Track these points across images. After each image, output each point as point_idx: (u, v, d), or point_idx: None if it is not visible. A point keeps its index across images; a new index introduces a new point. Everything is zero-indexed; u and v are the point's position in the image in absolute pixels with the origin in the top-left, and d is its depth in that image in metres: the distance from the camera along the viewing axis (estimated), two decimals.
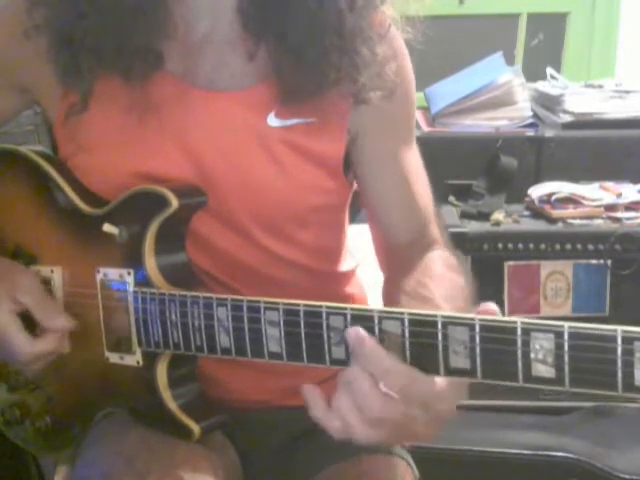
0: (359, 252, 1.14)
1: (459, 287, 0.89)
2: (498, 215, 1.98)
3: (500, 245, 1.92)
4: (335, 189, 0.98)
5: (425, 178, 1.04)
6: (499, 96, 2.15)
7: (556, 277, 1.94)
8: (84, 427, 0.99)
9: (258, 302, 0.78)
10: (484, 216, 1.99)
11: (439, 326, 0.68)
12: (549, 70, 2.33)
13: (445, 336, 0.68)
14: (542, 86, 2.31)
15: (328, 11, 0.89)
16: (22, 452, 1.33)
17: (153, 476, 0.84)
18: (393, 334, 0.71)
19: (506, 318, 0.66)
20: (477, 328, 0.67)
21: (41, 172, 0.97)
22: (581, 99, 2.15)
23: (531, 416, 1.85)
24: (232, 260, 0.96)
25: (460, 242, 1.88)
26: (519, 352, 0.65)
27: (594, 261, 1.93)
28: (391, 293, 0.92)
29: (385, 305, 0.97)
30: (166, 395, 0.88)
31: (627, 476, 1.68)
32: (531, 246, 1.92)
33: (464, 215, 2.01)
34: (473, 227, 1.95)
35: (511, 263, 1.93)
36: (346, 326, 0.73)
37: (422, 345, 0.69)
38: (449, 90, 2.21)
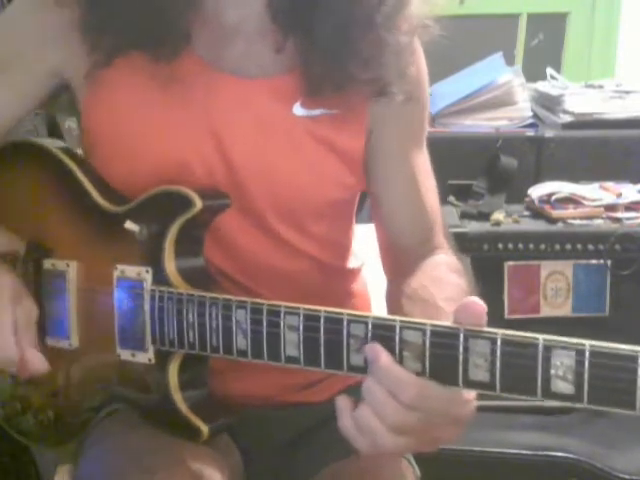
0: (362, 252, 1.14)
1: (460, 289, 0.89)
2: (498, 215, 1.98)
3: (500, 245, 1.92)
4: (354, 184, 0.99)
5: (433, 183, 1.04)
6: (499, 96, 2.15)
7: (556, 277, 1.94)
8: (87, 423, 0.99)
9: (279, 306, 0.78)
10: (484, 216, 1.99)
11: (461, 338, 0.68)
12: (549, 70, 2.33)
13: (466, 349, 0.68)
14: (542, 86, 2.31)
15: (359, 7, 0.89)
16: (21, 452, 1.33)
17: (160, 475, 0.84)
18: (413, 344, 0.71)
19: (528, 334, 0.66)
20: (499, 342, 0.67)
21: (59, 165, 0.97)
22: (581, 99, 2.15)
23: (531, 416, 1.85)
24: (243, 250, 0.97)
25: (460, 242, 1.87)
26: (540, 368, 0.65)
27: (594, 261, 1.93)
28: (394, 296, 0.92)
29: (388, 309, 0.97)
30: (176, 395, 0.88)
31: (627, 476, 1.68)
32: (531, 246, 1.92)
33: (464, 215, 2.01)
34: (473, 227, 1.95)
35: (511, 263, 1.93)
36: (367, 334, 0.73)
37: (442, 356, 0.69)
38: (449, 90, 2.21)
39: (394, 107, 0.95)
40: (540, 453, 1.73)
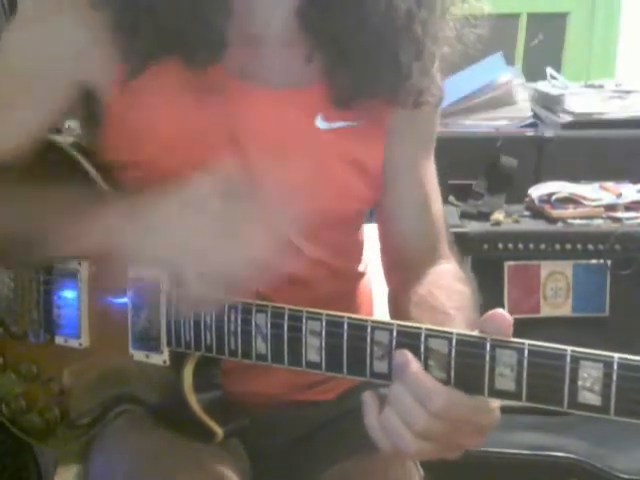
0: (365, 252, 1.14)
1: (467, 297, 0.89)
2: (498, 215, 1.98)
3: (500, 245, 1.92)
4: (371, 198, 0.99)
5: (439, 190, 1.04)
6: (499, 96, 2.14)
7: (556, 277, 1.94)
8: (94, 424, 0.98)
9: (300, 311, 0.78)
10: (484, 216, 1.99)
11: (487, 348, 0.68)
12: (549, 70, 2.33)
13: (492, 358, 0.68)
14: (542, 86, 2.30)
15: (392, 16, 0.89)
16: (22, 452, 1.33)
17: (180, 477, 0.84)
18: (439, 353, 0.71)
19: (556, 345, 0.66)
20: (526, 353, 0.67)
21: (74, 164, 0.96)
22: (581, 99, 2.15)
23: (531, 416, 1.85)
24: None
25: (460, 242, 1.87)
26: (567, 379, 0.65)
27: (594, 261, 1.93)
28: (400, 304, 0.92)
29: (392, 315, 0.97)
30: (191, 397, 0.88)
31: (627, 476, 1.68)
32: (531, 246, 1.91)
33: (464, 215, 2.01)
34: (473, 227, 1.94)
35: (511, 263, 1.93)
36: (391, 341, 0.73)
37: (468, 365, 0.70)
38: (449, 90, 2.20)
39: (416, 117, 0.95)
40: (540, 453, 1.73)
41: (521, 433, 1.79)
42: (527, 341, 0.67)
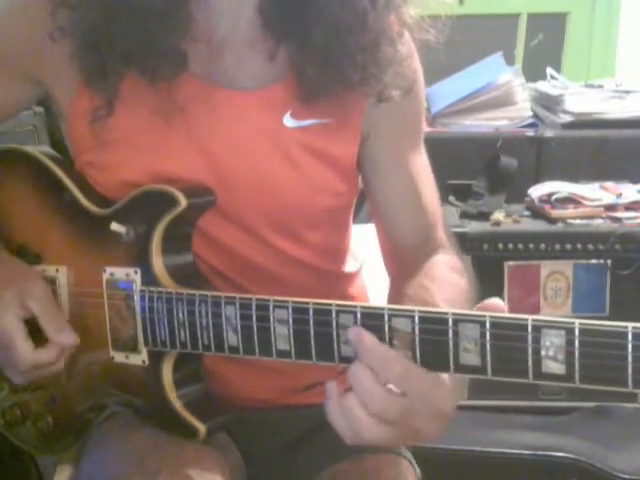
0: (361, 253, 1.14)
1: (461, 289, 0.89)
2: (498, 215, 1.98)
3: (500, 245, 1.92)
4: (346, 191, 0.99)
5: (432, 181, 1.04)
6: (499, 96, 2.15)
7: (556, 277, 1.94)
8: (86, 428, 0.99)
9: (267, 300, 0.78)
10: (484, 216, 1.99)
11: (450, 323, 0.68)
12: (549, 70, 2.33)
13: (456, 333, 0.68)
14: (542, 86, 2.31)
15: (350, 11, 0.89)
16: (21, 452, 1.33)
17: (163, 475, 0.84)
18: (403, 332, 0.71)
19: (517, 315, 0.66)
20: (488, 325, 0.67)
21: (46, 171, 0.97)
22: (581, 99, 2.15)
23: (531, 416, 1.85)
24: (240, 258, 0.97)
25: (460, 242, 1.87)
26: (530, 349, 0.65)
27: (594, 261, 1.93)
28: (395, 295, 0.91)
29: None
30: (172, 394, 0.88)
31: (627, 476, 1.68)
32: (531, 246, 1.92)
33: (464, 215, 2.01)
34: (473, 227, 1.95)
35: (511, 263, 1.93)
36: (356, 324, 0.73)
37: (432, 342, 0.70)
38: (449, 90, 2.21)
39: (389, 110, 0.95)
40: (540, 453, 1.73)
41: (521, 433, 1.79)
42: (489, 312, 0.67)
